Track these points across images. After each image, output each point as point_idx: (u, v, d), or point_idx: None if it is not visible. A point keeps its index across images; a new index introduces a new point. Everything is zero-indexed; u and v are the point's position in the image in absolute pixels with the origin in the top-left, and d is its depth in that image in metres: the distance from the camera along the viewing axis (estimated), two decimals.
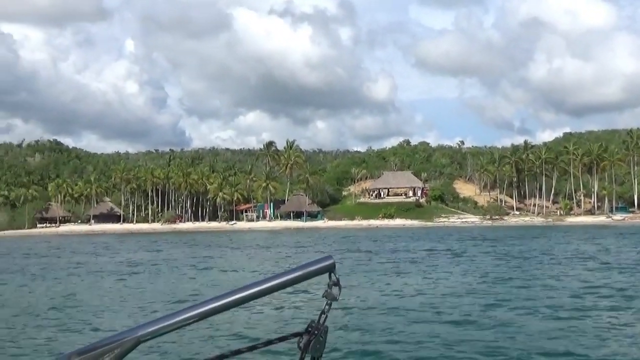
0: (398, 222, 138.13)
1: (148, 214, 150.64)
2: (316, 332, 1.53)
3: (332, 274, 1.54)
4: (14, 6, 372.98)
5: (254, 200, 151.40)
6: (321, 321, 1.54)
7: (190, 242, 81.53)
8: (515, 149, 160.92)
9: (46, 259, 56.67)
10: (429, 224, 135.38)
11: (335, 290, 1.55)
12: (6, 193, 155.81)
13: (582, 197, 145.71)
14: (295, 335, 1.56)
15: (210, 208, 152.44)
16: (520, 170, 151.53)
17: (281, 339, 1.61)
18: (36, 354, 17.41)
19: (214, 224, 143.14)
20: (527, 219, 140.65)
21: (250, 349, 1.61)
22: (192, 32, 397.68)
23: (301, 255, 55.89)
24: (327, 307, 1.55)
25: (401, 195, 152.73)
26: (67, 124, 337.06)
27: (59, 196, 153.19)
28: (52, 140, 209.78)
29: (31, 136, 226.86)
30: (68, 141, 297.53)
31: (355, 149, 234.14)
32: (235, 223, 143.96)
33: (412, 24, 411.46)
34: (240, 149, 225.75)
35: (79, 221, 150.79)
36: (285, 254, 57.69)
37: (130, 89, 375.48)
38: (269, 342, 1.62)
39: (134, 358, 1.43)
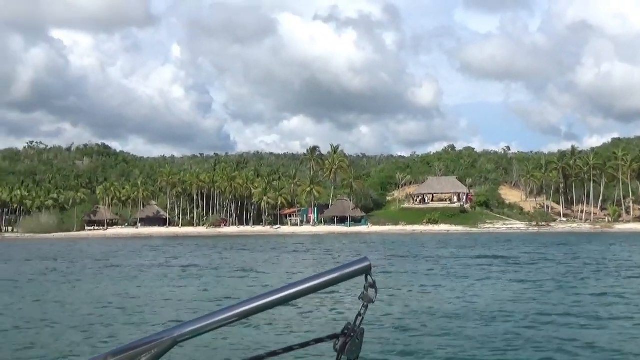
0: (442, 227, 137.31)
1: (193, 217, 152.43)
2: (352, 334, 1.53)
3: (369, 276, 1.54)
4: (65, 13, 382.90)
5: (298, 205, 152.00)
6: (357, 323, 1.53)
7: (239, 246, 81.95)
8: (562, 154, 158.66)
9: (103, 262, 57.64)
10: (474, 230, 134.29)
11: (371, 292, 1.55)
12: (56, 196, 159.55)
13: (631, 204, 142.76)
14: (331, 337, 1.55)
15: (255, 212, 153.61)
16: (568, 176, 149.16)
17: (317, 341, 1.60)
18: (77, 353, 17.87)
19: (258, 228, 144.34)
20: (574, 225, 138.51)
21: (286, 350, 1.60)
22: (238, 37, 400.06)
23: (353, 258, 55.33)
24: (363, 309, 1.55)
25: (446, 200, 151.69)
26: (115, 128, 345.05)
27: (107, 199, 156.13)
28: (100, 144, 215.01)
29: (80, 140, 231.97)
30: (115, 145, 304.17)
31: (399, 154, 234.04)
32: (279, 227, 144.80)
33: (457, 28, 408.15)
34: (284, 154, 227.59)
35: (126, 224, 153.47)
36: (334, 258, 57.99)
37: (176, 94, 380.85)
38: (305, 344, 1.62)
39: (171, 358, 1.46)
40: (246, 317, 1.51)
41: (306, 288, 1.52)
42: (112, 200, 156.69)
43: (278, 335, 18.80)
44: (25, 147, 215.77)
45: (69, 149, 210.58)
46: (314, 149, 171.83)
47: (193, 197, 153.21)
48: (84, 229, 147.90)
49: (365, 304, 1.54)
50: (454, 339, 19.02)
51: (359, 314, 1.53)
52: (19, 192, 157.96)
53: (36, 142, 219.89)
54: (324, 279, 1.53)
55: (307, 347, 1.62)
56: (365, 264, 1.54)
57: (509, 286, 33.38)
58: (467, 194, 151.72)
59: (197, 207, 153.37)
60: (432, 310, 24.78)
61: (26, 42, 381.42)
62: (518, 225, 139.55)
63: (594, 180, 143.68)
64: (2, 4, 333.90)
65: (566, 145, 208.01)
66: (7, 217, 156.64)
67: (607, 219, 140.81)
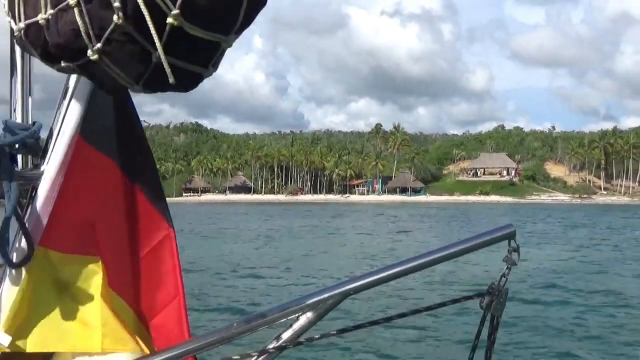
0: (493, 198, 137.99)
1: (274, 186, 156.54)
2: (497, 293, 1.50)
3: (512, 241, 1.49)
4: None
5: (365, 176, 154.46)
6: (502, 283, 1.50)
7: (332, 212, 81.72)
8: (603, 133, 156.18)
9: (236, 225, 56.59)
10: (522, 200, 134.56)
11: (514, 256, 1.50)
12: (157, 167, 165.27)
13: None
14: (478, 295, 1.54)
15: (327, 182, 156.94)
16: (609, 154, 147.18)
17: (466, 298, 1.59)
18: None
19: (330, 197, 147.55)
20: (614, 198, 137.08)
21: (440, 305, 1.60)
22: (314, 30, 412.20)
23: (444, 225, 55.16)
24: (507, 270, 1.51)
25: (496, 174, 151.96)
26: (206, 109, 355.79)
27: (201, 170, 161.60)
28: (193, 122, 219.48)
29: (176, 119, 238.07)
30: (206, 123, 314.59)
31: (453, 132, 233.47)
32: (348, 196, 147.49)
33: (507, 20, 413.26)
34: (351, 131, 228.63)
35: (217, 191, 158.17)
36: (427, 223, 57.70)
37: (257, 79, 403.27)
38: (456, 300, 1.60)
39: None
40: (408, 274, 1.49)
41: (457, 251, 1.51)
42: (204, 170, 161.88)
43: (424, 291, 18.15)
44: None
45: (167, 127, 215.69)
46: (378, 126, 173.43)
47: (274, 169, 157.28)
48: (181, 195, 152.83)
49: (509, 266, 1.51)
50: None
51: (503, 275, 1.50)
52: None
53: (142, 121, 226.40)
54: (472, 243, 1.51)
55: (456, 304, 1.61)
56: (510, 230, 1.50)
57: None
58: (516, 169, 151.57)
59: (277, 178, 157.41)
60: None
61: None
62: (562, 197, 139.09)
63: (633, 158, 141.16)
64: None
65: (604, 125, 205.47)
66: None
67: None
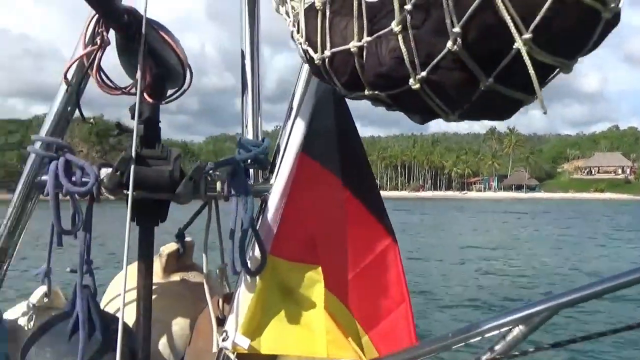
0: (607, 195, 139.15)
1: (397, 183, 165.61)
2: None
3: None
4: None
5: (481, 174, 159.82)
6: None
7: (453, 207, 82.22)
8: None
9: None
10: (638, 197, 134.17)
11: None
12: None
13: None
14: None
15: (446, 180, 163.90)
16: None
17: None
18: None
19: (449, 193, 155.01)
20: None
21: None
22: None
23: (579, 222, 49.07)
24: None
25: (611, 173, 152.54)
26: None
27: None
28: None
29: None
30: None
31: (566, 133, 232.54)
32: (466, 192, 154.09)
33: (620, 24, 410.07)
34: (468, 133, 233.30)
35: None
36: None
37: None
38: None
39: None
40: (615, 291, 1.34)
41: None
42: None
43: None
44: (271, 130, 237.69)
45: None
46: (493, 128, 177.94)
47: (397, 168, 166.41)
48: None
49: None
50: None
51: None
52: None
53: (279, 126, 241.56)
54: None
55: None
56: None
57: None
58: (631, 167, 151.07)
59: (401, 176, 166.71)
60: None
61: (273, 51, 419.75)
62: None
63: None
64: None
65: None
66: None
67: None
